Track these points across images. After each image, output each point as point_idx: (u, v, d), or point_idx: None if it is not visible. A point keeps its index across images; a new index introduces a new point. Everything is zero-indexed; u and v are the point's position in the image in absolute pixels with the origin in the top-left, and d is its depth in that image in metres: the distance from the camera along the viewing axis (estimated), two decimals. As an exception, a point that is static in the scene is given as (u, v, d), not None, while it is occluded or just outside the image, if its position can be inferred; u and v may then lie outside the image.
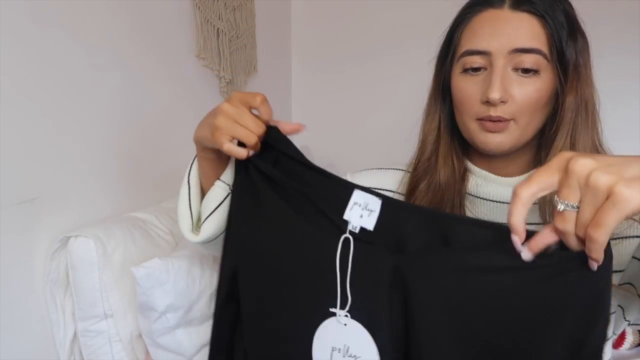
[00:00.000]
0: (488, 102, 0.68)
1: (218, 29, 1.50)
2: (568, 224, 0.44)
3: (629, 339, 1.43)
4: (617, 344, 1.42)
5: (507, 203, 0.75)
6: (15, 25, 0.90)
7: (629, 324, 0.74)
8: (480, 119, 0.71)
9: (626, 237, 0.68)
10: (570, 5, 0.71)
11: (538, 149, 0.75)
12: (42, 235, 0.97)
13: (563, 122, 0.69)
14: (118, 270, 1.00)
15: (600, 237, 0.41)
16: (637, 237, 0.69)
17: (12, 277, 0.92)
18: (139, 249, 1.05)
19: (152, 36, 1.26)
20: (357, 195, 0.60)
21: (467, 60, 0.70)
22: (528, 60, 0.67)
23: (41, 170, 0.97)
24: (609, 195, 0.41)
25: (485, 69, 0.70)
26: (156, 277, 0.95)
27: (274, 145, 0.65)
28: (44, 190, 0.97)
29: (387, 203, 0.59)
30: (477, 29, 0.70)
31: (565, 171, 0.44)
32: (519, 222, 0.46)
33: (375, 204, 0.59)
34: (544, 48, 0.67)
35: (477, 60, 0.69)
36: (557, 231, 0.45)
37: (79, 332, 1.00)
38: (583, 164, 0.42)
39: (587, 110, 0.70)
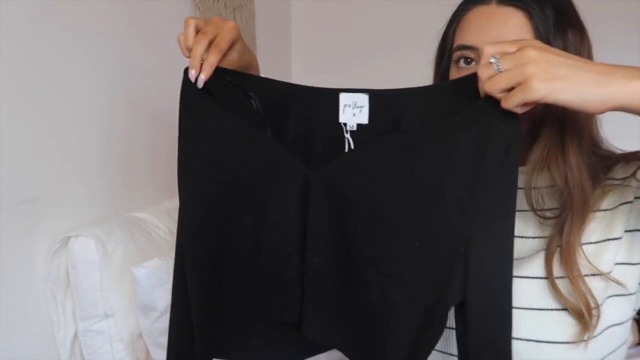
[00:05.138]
0: None
1: (218, 29, 1.50)
2: (486, 75, 0.56)
3: (629, 339, 1.43)
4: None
5: None
6: (15, 25, 0.90)
7: None
8: None
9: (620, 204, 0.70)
10: None
11: (532, 139, 0.73)
12: (43, 235, 0.97)
13: (547, 117, 0.68)
14: (118, 270, 1.00)
15: (504, 105, 0.55)
16: (627, 203, 0.70)
17: (12, 277, 0.92)
18: (139, 249, 1.05)
19: (152, 36, 1.26)
20: (344, 98, 0.66)
21: (458, 54, 0.74)
22: None
23: (41, 170, 0.97)
24: (524, 81, 0.52)
25: (476, 62, 0.72)
26: (156, 277, 0.95)
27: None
28: (44, 190, 0.97)
29: (373, 95, 0.65)
30: (466, 25, 0.74)
31: (521, 48, 0.54)
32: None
33: (363, 99, 0.64)
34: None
35: (467, 54, 0.72)
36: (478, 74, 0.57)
37: (80, 332, 1.00)
38: (531, 54, 0.53)
39: None
